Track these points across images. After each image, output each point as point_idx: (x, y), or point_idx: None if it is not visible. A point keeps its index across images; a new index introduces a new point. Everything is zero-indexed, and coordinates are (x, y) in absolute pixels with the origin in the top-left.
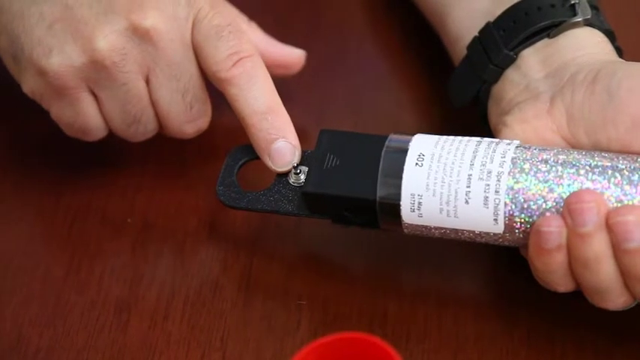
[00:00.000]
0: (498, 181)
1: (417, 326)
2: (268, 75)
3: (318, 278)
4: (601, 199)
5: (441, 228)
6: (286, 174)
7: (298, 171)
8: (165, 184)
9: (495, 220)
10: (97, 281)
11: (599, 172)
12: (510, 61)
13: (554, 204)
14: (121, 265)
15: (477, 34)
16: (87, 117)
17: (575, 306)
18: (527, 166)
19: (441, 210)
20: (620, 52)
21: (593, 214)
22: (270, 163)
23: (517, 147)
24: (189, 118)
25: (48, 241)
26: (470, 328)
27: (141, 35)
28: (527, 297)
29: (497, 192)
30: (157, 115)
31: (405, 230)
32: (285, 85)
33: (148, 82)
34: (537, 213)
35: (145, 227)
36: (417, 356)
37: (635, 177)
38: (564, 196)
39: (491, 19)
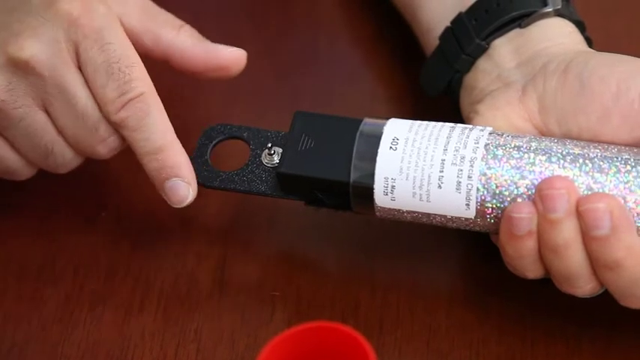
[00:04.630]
0: (471, 166)
1: (389, 316)
2: (161, 111)
3: (291, 269)
4: (572, 185)
5: (414, 212)
6: (260, 154)
7: (272, 152)
8: (138, 178)
9: (467, 205)
10: (72, 275)
11: (570, 159)
12: (482, 50)
13: (526, 190)
14: (95, 259)
15: (449, 24)
16: (2, 159)
17: (545, 294)
18: (499, 152)
19: (414, 194)
20: (589, 42)
21: (564, 201)
22: (167, 200)
23: (490, 133)
24: (97, 139)
25: (21, 236)
26: (441, 317)
27: (22, 68)
28: (498, 286)
29: (469, 177)
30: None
31: (378, 214)
32: (258, 79)
33: (47, 112)
34: (509, 199)
35: (118, 221)
36: (389, 345)
37: (606, 165)
38: (536, 183)
39: (463, 9)
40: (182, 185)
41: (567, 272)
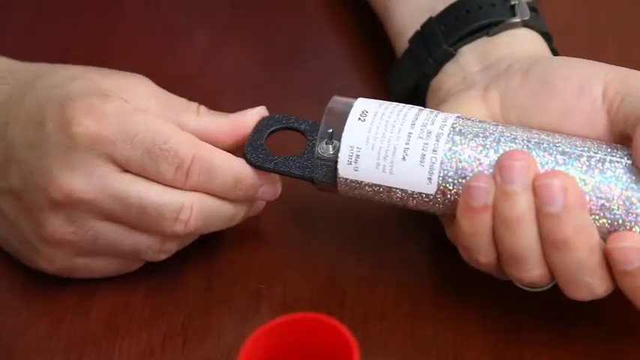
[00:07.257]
0: (437, 141)
1: (374, 307)
2: (217, 152)
3: (277, 263)
4: (532, 160)
5: (375, 185)
6: (314, 145)
7: (330, 142)
8: None
9: (429, 179)
10: None
11: (535, 142)
12: (449, 56)
13: (488, 168)
14: None
15: (419, 28)
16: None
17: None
18: (466, 130)
19: (378, 165)
20: (555, 54)
21: (522, 174)
22: (264, 201)
23: (458, 117)
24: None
25: None
26: (426, 308)
27: (70, 203)
28: (483, 276)
29: (434, 151)
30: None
31: (340, 187)
32: (247, 74)
33: (113, 220)
34: (470, 175)
35: None
36: (374, 336)
37: (569, 149)
38: None
39: (434, 14)
40: (268, 189)
41: (517, 251)
